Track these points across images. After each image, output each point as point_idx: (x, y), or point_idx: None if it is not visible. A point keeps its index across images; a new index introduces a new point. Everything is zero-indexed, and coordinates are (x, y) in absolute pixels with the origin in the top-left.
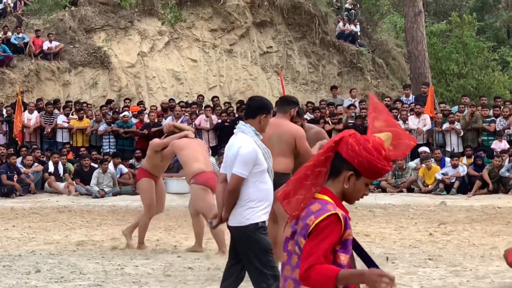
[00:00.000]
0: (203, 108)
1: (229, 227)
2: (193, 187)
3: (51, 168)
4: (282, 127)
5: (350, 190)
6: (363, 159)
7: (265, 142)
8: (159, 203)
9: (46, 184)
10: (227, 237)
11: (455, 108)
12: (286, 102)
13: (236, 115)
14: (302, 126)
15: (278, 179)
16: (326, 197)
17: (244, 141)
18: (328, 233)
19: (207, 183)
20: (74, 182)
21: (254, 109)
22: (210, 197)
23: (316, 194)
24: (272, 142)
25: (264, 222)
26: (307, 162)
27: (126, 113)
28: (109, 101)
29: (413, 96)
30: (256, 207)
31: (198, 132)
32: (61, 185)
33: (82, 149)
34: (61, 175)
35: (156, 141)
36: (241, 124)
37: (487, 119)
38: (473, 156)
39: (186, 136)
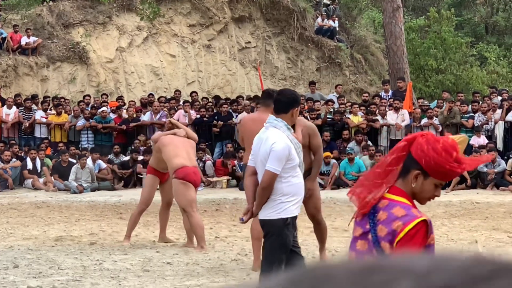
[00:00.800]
0: (181, 103)
1: (260, 220)
2: (174, 182)
3: (29, 165)
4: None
5: (418, 190)
6: (430, 159)
7: (249, 135)
8: (165, 199)
9: (25, 181)
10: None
11: (433, 104)
12: (269, 96)
13: (214, 111)
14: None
15: None
16: (402, 199)
17: (278, 136)
18: (417, 240)
19: (186, 177)
20: (52, 177)
21: (286, 103)
22: (191, 192)
23: (389, 194)
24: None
25: (295, 216)
26: (380, 162)
27: (104, 108)
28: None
29: (392, 91)
30: (288, 201)
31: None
32: (40, 180)
33: (61, 144)
34: (38, 171)
35: (154, 134)
36: (272, 118)
37: (465, 115)
38: None
39: (174, 134)
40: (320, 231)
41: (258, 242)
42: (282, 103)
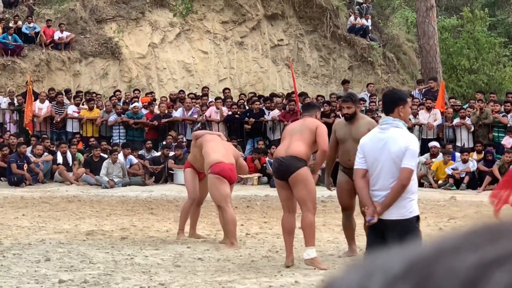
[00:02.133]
0: (213, 99)
1: (384, 220)
2: (209, 177)
3: (59, 159)
4: (308, 119)
5: None
6: None
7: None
8: (200, 194)
9: (56, 174)
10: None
11: (467, 105)
12: (311, 106)
13: (247, 107)
14: (355, 113)
15: (293, 162)
16: None
17: (407, 135)
18: None
19: (222, 172)
20: (84, 171)
21: (390, 104)
22: (225, 187)
23: None
24: (295, 130)
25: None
26: None
27: (136, 104)
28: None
29: (424, 91)
30: (414, 199)
31: (208, 123)
32: (71, 174)
33: (92, 139)
34: (70, 165)
35: (198, 131)
36: (389, 119)
37: (499, 114)
38: (483, 152)
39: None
40: None
41: (290, 237)
42: (387, 103)
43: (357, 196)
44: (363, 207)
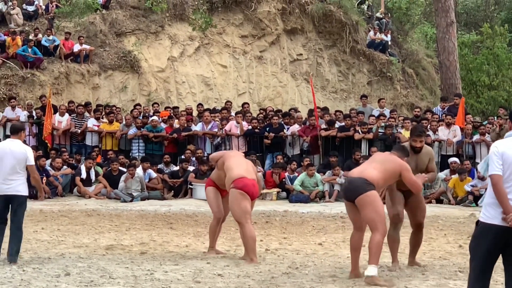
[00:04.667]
0: (232, 114)
1: None
2: (231, 192)
3: (83, 174)
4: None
5: None
6: None
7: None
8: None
9: (75, 188)
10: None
11: (486, 121)
12: (403, 150)
13: (266, 122)
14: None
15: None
16: None
17: None
18: None
19: (245, 187)
20: (106, 183)
21: None
22: (247, 203)
23: None
24: (376, 159)
25: None
26: None
27: (155, 117)
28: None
29: (447, 107)
30: None
31: (228, 138)
32: (90, 189)
33: (110, 152)
34: (92, 181)
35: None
36: None
37: None
38: None
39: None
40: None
41: (356, 253)
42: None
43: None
44: (507, 214)
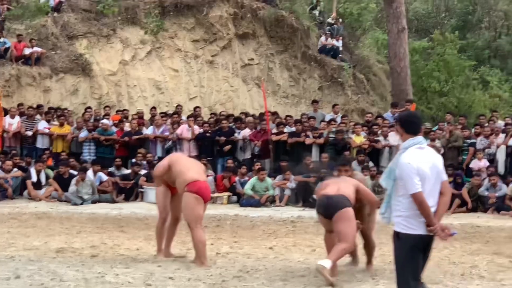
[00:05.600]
0: (183, 118)
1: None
2: (185, 195)
3: (34, 177)
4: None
5: None
6: None
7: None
8: (174, 214)
9: (25, 191)
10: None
11: (436, 127)
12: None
13: (217, 126)
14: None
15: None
16: None
17: None
18: None
19: (200, 191)
20: (57, 186)
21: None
22: (200, 207)
23: None
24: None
25: None
26: None
27: (105, 121)
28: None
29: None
30: None
31: (179, 142)
32: (41, 192)
33: (63, 153)
34: (43, 183)
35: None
36: (423, 139)
37: (467, 140)
38: (453, 174)
39: None
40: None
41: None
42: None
43: None
44: (433, 225)
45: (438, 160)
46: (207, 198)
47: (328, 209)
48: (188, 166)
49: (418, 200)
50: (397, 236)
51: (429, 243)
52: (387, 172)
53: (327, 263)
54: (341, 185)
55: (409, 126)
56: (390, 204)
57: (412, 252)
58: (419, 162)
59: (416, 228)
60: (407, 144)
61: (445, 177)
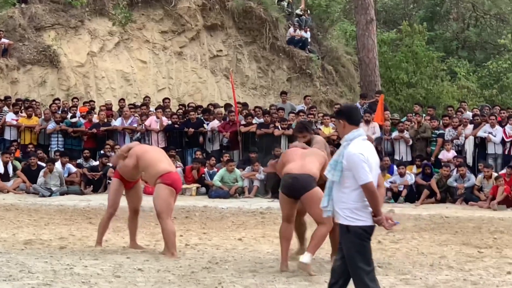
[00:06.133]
0: (151, 109)
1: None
2: (159, 186)
3: (1, 169)
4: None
5: None
6: None
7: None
8: (132, 207)
9: None
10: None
11: (405, 118)
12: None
13: (186, 118)
14: (310, 140)
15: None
16: None
17: None
18: None
19: (174, 183)
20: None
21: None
22: (172, 200)
23: None
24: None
25: None
26: None
27: (73, 119)
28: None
29: (368, 104)
30: None
31: (148, 133)
32: (9, 184)
33: (30, 146)
34: (10, 175)
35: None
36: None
37: (435, 131)
38: (422, 165)
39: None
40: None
41: (287, 243)
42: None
43: None
44: (379, 215)
45: (376, 153)
46: (179, 189)
47: (293, 191)
48: (158, 158)
49: (370, 190)
50: (346, 229)
51: (373, 233)
52: (333, 164)
53: (307, 258)
54: (305, 161)
55: (352, 117)
56: (331, 197)
57: (364, 242)
58: (369, 154)
59: (364, 219)
60: (352, 136)
61: (379, 169)
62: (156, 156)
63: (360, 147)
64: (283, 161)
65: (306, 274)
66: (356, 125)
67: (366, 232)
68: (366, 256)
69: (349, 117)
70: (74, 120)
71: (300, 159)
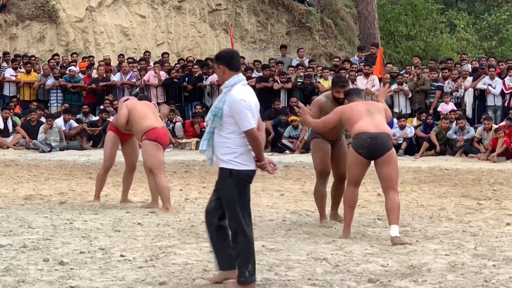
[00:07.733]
0: (151, 64)
1: None
2: (145, 143)
3: (1, 124)
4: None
5: None
6: None
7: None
8: (129, 162)
9: None
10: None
11: (403, 71)
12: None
13: (185, 72)
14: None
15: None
16: None
17: None
18: None
19: (158, 139)
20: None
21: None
22: (161, 154)
23: None
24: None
25: None
26: None
27: (72, 67)
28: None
29: (365, 57)
30: None
31: (147, 88)
32: (8, 140)
33: (34, 103)
34: (10, 131)
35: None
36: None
37: (434, 83)
38: (423, 116)
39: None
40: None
41: (352, 211)
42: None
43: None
44: (262, 160)
45: (255, 97)
46: (165, 144)
47: (374, 150)
48: (144, 114)
49: (253, 136)
50: (229, 173)
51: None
52: (214, 111)
53: (396, 231)
54: (377, 119)
55: (232, 63)
56: (211, 142)
57: (244, 187)
58: (249, 99)
59: (248, 164)
60: (233, 81)
61: (259, 113)
62: (141, 112)
63: (242, 93)
64: (346, 117)
65: (405, 246)
66: (236, 71)
67: (248, 177)
68: (245, 200)
69: (229, 62)
70: (72, 68)
71: (369, 117)
